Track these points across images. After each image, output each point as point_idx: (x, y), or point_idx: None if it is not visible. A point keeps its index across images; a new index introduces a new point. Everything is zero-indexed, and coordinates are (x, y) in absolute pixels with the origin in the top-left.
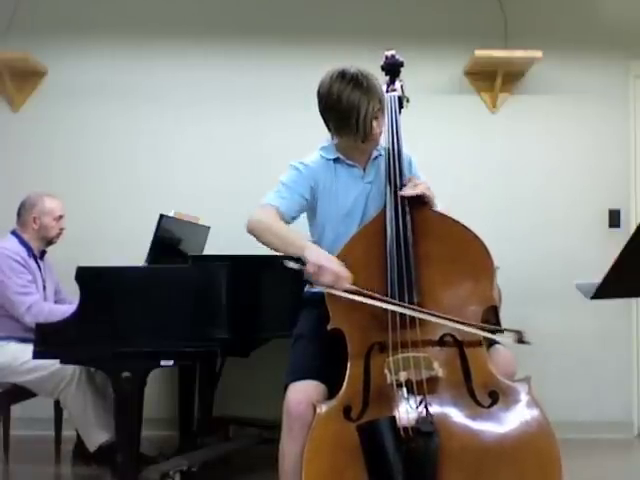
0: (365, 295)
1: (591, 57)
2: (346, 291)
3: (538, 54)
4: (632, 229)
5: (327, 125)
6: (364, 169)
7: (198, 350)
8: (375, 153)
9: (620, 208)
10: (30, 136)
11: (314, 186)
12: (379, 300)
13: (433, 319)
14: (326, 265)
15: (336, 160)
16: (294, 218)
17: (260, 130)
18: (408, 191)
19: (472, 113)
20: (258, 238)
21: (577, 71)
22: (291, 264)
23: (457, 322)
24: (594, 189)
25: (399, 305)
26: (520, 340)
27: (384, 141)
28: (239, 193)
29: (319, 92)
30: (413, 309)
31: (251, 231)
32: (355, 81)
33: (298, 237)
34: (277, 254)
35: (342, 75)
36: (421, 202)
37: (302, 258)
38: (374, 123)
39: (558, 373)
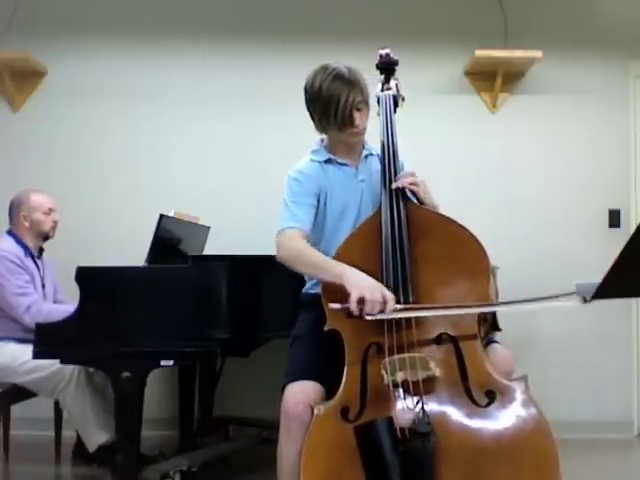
0: (414, 309)
1: (591, 57)
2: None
3: (538, 54)
4: (632, 229)
5: (313, 120)
6: (356, 167)
7: (198, 350)
8: (365, 152)
9: (620, 208)
10: (30, 136)
11: (317, 192)
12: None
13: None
14: (369, 297)
15: (327, 161)
16: (311, 229)
17: (259, 130)
18: (397, 182)
19: (472, 113)
20: (292, 268)
21: (577, 71)
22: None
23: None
24: (594, 189)
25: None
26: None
27: (379, 140)
28: (239, 193)
29: (305, 87)
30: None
31: (284, 263)
32: (337, 73)
33: (331, 263)
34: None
35: (325, 68)
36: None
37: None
38: (355, 114)
39: (558, 373)
